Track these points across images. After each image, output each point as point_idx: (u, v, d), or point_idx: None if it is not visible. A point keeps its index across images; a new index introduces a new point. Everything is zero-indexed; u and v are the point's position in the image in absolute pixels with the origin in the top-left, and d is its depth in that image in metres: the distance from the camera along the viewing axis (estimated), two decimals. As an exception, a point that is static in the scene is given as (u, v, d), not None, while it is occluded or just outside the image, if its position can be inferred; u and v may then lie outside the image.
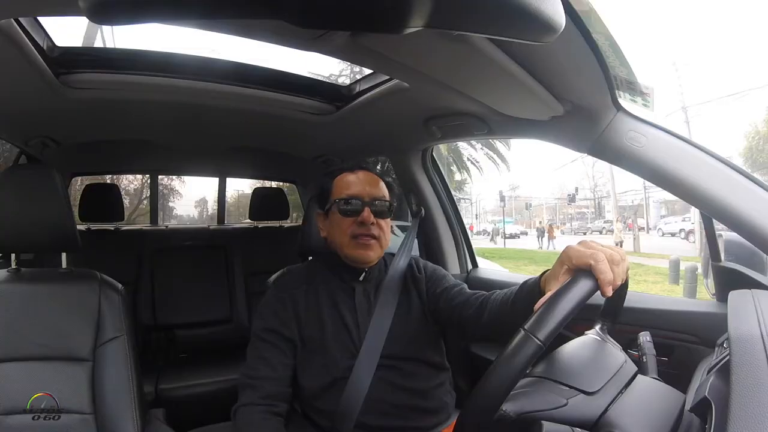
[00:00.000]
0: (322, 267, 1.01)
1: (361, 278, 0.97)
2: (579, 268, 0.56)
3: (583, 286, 0.53)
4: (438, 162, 1.60)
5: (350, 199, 0.93)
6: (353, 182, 0.95)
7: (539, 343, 0.47)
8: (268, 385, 0.87)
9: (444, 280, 0.99)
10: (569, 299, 0.51)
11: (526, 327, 0.48)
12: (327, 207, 0.97)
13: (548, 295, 0.54)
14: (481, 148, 12.36)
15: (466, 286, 0.97)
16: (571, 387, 0.54)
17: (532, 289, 0.72)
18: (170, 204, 16.50)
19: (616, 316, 0.71)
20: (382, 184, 0.97)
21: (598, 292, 0.54)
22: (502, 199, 19.13)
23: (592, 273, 0.54)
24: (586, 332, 0.69)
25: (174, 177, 13.96)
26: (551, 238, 16.55)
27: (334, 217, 0.95)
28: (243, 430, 0.84)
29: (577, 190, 25.03)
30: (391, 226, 1.02)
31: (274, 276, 1.08)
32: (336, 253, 0.96)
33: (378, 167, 1.07)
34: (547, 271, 0.67)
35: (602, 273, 0.53)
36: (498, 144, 12.25)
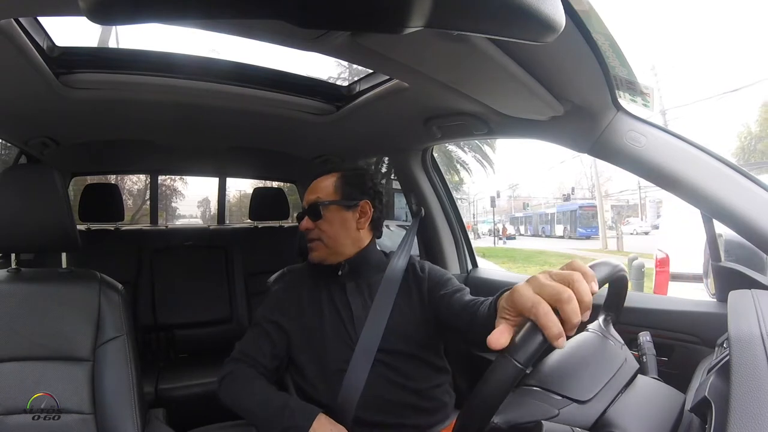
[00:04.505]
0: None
1: (339, 273, 0.99)
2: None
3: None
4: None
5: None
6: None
7: (520, 366, 0.42)
8: (256, 363, 0.95)
9: (447, 285, 0.97)
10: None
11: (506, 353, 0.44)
12: None
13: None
14: (470, 151, 12.72)
15: (468, 290, 0.94)
16: (563, 396, 0.53)
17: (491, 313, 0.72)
18: (173, 204, 16.51)
19: (620, 308, 0.70)
20: (324, 183, 1.01)
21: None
22: (493, 203, 20.23)
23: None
24: (588, 327, 0.66)
25: (177, 178, 13.98)
26: (504, 235, 21.48)
27: None
28: (234, 381, 0.92)
29: (573, 189, 25.06)
30: (387, 225, 1.05)
31: (274, 276, 1.09)
32: None
33: (375, 167, 1.08)
34: (506, 290, 0.56)
35: (546, 329, 0.43)
36: (486, 147, 12.62)
